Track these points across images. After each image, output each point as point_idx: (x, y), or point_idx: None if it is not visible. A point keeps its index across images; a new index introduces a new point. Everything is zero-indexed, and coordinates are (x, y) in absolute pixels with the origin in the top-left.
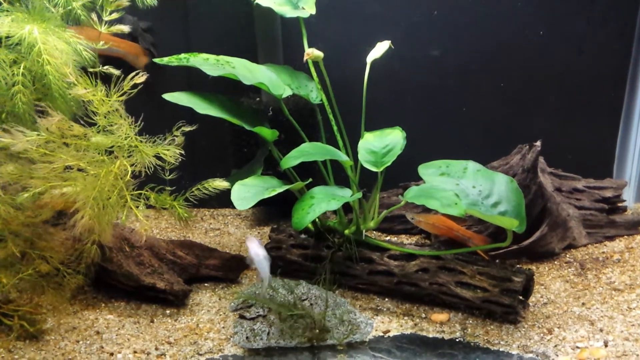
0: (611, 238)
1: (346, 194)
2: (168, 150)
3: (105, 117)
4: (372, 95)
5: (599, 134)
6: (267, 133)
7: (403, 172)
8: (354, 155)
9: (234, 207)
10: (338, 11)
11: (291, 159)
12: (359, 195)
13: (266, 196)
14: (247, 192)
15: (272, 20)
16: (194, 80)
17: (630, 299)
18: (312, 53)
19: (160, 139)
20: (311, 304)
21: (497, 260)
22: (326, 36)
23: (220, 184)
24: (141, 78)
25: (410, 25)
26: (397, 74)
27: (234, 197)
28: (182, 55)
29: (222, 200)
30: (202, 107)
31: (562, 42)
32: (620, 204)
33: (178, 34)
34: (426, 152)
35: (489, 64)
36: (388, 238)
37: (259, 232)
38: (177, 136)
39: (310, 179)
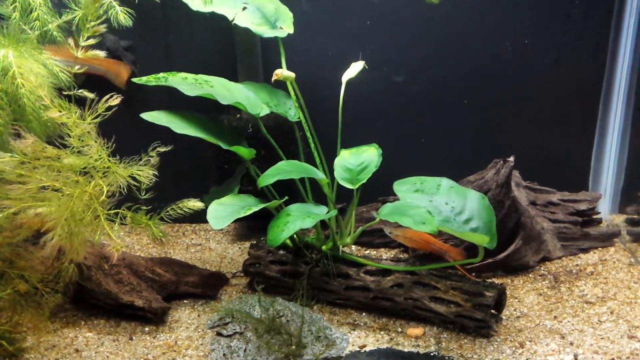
0: (585, 250)
1: (322, 212)
2: (142, 171)
3: (79, 139)
4: (351, 110)
5: (574, 147)
6: (244, 152)
7: (384, 184)
8: (331, 171)
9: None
10: (317, 29)
11: (268, 177)
12: (334, 212)
13: (242, 215)
14: (224, 211)
15: (252, 38)
16: (176, 97)
17: (601, 312)
18: (281, 74)
19: (135, 159)
20: (288, 321)
21: (473, 274)
22: (306, 54)
23: (194, 204)
24: (115, 100)
25: (387, 42)
26: (374, 90)
27: (209, 216)
28: (161, 75)
29: (204, 215)
30: (180, 127)
31: (537, 56)
32: (595, 216)
33: (159, 52)
34: (406, 165)
35: (465, 79)
36: (367, 252)
37: (240, 248)
38: (152, 156)
39: (287, 197)
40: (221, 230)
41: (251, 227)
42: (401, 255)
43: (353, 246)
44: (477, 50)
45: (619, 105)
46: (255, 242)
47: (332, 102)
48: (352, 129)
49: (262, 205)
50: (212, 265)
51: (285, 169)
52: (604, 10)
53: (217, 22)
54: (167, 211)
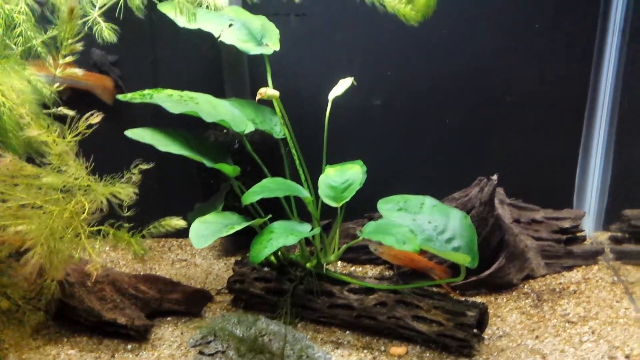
0: (569, 268)
1: (305, 229)
2: (123, 189)
3: (59, 157)
4: (338, 126)
5: (559, 164)
6: (229, 169)
7: (372, 199)
8: (316, 188)
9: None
10: (305, 46)
11: (252, 195)
12: (318, 230)
13: (224, 234)
14: (206, 229)
15: (239, 54)
16: (164, 112)
17: (583, 331)
18: (265, 93)
19: (117, 177)
20: (270, 340)
21: (457, 292)
22: (292, 70)
23: (177, 222)
24: (96, 118)
25: (373, 59)
26: (361, 106)
27: (192, 235)
28: (146, 92)
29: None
30: (163, 144)
31: (521, 74)
32: (579, 234)
33: (146, 67)
34: (393, 180)
35: (450, 96)
36: (353, 268)
37: (225, 264)
38: (134, 174)
39: (270, 215)
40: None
41: (237, 243)
42: (386, 272)
43: (339, 262)
44: (462, 68)
45: (603, 123)
46: (240, 258)
47: (318, 119)
48: (338, 145)
49: (245, 224)
50: (197, 282)
51: (270, 187)
52: (588, 29)
53: (205, 38)
54: (149, 229)
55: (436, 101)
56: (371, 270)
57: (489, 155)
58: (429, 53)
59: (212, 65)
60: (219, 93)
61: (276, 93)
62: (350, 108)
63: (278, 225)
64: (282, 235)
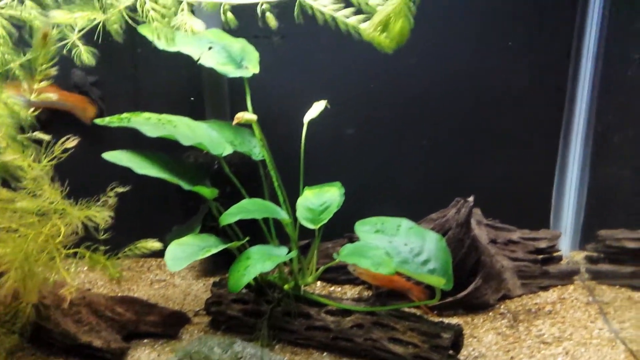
0: (545, 288)
1: (282, 253)
2: (98, 212)
3: (34, 181)
4: (317, 148)
5: (535, 185)
6: (206, 192)
7: (352, 218)
8: (295, 210)
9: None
10: (286, 68)
11: (230, 216)
12: (295, 254)
13: (200, 257)
14: (182, 252)
15: (219, 76)
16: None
17: (557, 352)
18: (242, 117)
19: (94, 200)
20: None
21: (435, 312)
22: (273, 92)
23: (153, 244)
24: (72, 142)
25: (353, 81)
26: (339, 128)
27: (167, 257)
28: (124, 115)
29: None
30: (141, 167)
31: (498, 95)
32: (555, 254)
33: (127, 88)
34: (372, 201)
35: (427, 117)
36: (332, 288)
37: (204, 284)
38: (110, 197)
39: (248, 237)
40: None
41: (217, 263)
42: (365, 293)
43: (318, 282)
44: (438, 89)
45: (578, 145)
46: (218, 279)
47: (298, 141)
48: (318, 166)
49: (222, 246)
50: (176, 303)
51: (247, 208)
52: (563, 50)
53: (186, 60)
54: (125, 252)
55: (414, 123)
56: (350, 291)
57: (467, 176)
58: (406, 75)
59: (193, 87)
60: (200, 115)
61: (254, 117)
62: (329, 130)
63: (255, 250)
64: (259, 261)
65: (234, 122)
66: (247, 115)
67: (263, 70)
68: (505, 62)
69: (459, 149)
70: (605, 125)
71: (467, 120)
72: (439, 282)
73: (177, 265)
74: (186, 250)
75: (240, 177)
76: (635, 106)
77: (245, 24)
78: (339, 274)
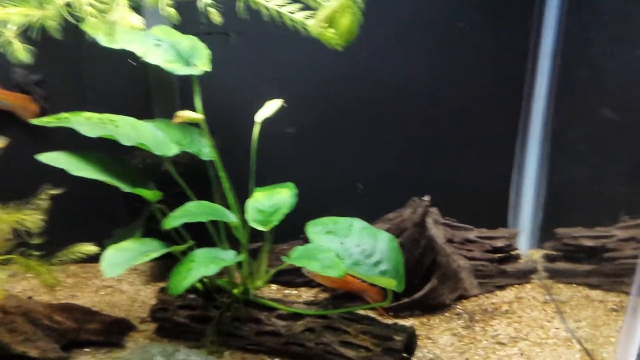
0: (502, 287)
1: (229, 256)
2: (29, 216)
3: None
4: (272, 148)
5: (493, 183)
6: (148, 194)
7: (310, 218)
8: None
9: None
10: (240, 66)
11: (173, 220)
12: (242, 257)
13: (140, 261)
14: (120, 257)
15: (168, 74)
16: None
17: (512, 353)
18: (184, 115)
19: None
20: None
21: (391, 313)
22: (225, 90)
23: (89, 248)
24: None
25: (307, 79)
26: (295, 127)
27: (103, 263)
28: (63, 115)
29: None
30: (78, 168)
31: (455, 93)
32: (513, 253)
33: (71, 87)
34: (329, 201)
35: (383, 116)
36: (288, 292)
37: (153, 289)
38: (43, 199)
39: (193, 241)
40: (135, 270)
41: (168, 267)
42: (321, 295)
43: (273, 286)
44: (393, 89)
45: (536, 142)
46: (164, 286)
47: (250, 141)
48: (273, 167)
49: (164, 251)
50: (122, 310)
51: (193, 211)
52: (520, 49)
53: (131, 58)
54: (59, 257)
55: (370, 122)
56: (306, 293)
57: (424, 175)
58: (361, 73)
59: (140, 85)
60: (148, 114)
61: (198, 116)
62: (283, 129)
63: (200, 253)
64: (203, 265)
65: (176, 120)
66: (189, 114)
67: (216, 68)
68: (463, 61)
69: (417, 148)
70: (562, 122)
71: (424, 118)
72: (391, 283)
73: (114, 271)
74: (124, 255)
75: (190, 178)
76: (590, 103)
77: (197, 21)
78: (294, 277)
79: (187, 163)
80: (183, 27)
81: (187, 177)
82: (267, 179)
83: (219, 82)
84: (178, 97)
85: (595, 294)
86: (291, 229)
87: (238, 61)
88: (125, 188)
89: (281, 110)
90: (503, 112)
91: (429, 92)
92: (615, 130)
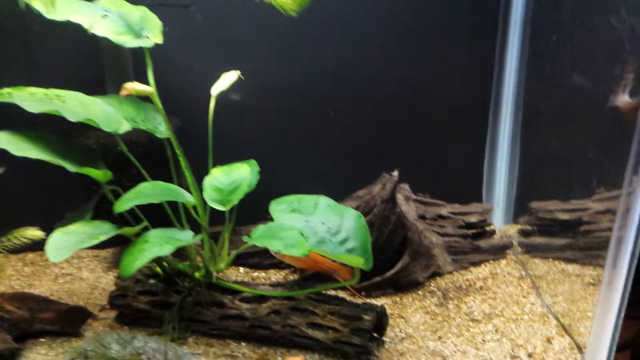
0: (477, 264)
1: (186, 237)
2: None
3: None
4: (234, 125)
5: (466, 159)
6: (97, 174)
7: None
8: None
9: (92, 248)
10: (195, 38)
11: (125, 202)
12: (199, 237)
13: (87, 245)
14: (67, 240)
15: (121, 48)
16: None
17: (486, 330)
18: (132, 87)
19: None
20: (149, 358)
21: (363, 293)
22: (183, 64)
23: (33, 233)
24: None
25: (270, 53)
26: (258, 103)
27: (48, 247)
28: (5, 90)
29: None
30: (20, 149)
31: (426, 69)
32: (488, 228)
33: (18, 66)
34: (299, 180)
35: (354, 91)
36: (256, 274)
37: (115, 276)
38: None
39: (145, 223)
40: (97, 256)
41: None
42: (291, 277)
43: (241, 269)
44: (364, 62)
45: (508, 117)
46: None
47: (204, 115)
48: (239, 145)
49: (114, 233)
50: (81, 298)
51: (146, 192)
52: (489, 25)
53: (81, 32)
54: (3, 242)
55: (341, 97)
56: (275, 275)
57: (397, 151)
58: (328, 47)
59: (92, 60)
60: (100, 90)
61: (147, 88)
62: (247, 105)
63: (154, 233)
64: (156, 245)
65: (122, 92)
66: (139, 86)
67: (171, 41)
68: (433, 37)
69: (389, 125)
70: (533, 94)
71: (396, 93)
72: (358, 262)
73: (59, 255)
74: (71, 239)
75: (148, 157)
76: (560, 72)
77: None
78: (263, 259)
79: (146, 142)
80: None
81: (146, 158)
82: (235, 160)
83: (177, 55)
84: (132, 72)
85: (572, 268)
86: (264, 210)
87: (196, 34)
88: (71, 168)
89: (250, 87)
90: (474, 85)
91: (401, 65)
92: (585, 99)
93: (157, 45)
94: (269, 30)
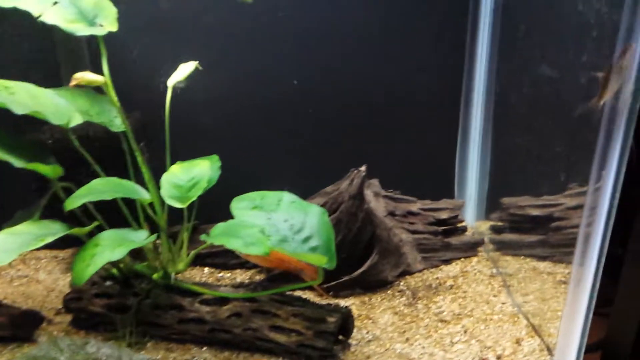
0: (447, 262)
1: (139, 237)
2: None
3: None
4: (203, 119)
5: (438, 154)
6: (46, 170)
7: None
8: None
9: (50, 248)
10: (154, 27)
11: (76, 199)
12: (154, 237)
13: (35, 246)
14: (13, 242)
15: (76, 37)
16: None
17: (455, 331)
18: (82, 77)
19: None
20: None
21: (331, 293)
22: (145, 54)
23: None
24: None
25: (240, 46)
26: (224, 96)
27: None
28: None
29: None
30: None
31: (396, 64)
32: (459, 225)
33: None
34: (267, 176)
35: (323, 85)
36: (221, 274)
37: None
38: None
39: (99, 222)
40: (56, 257)
41: None
42: (257, 277)
43: (205, 269)
44: (332, 58)
45: (479, 111)
46: None
47: (173, 109)
48: (202, 140)
49: (63, 233)
50: (36, 301)
51: (98, 189)
52: (460, 16)
53: (34, 22)
54: None
55: (309, 91)
56: (241, 276)
57: (367, 147)
58: (296, 40)
59: (46, 49)
60: (56, 82)
61: (99, 78)
62: (214, 98)
63: (106, 235)
64: (108, 248)
65: (72, 83)
66: (90, 76)
67: (131, 29)
68: (400, 29)
69: (359, 119)
70: (504, 87)
71: (365, 87)
72: (321, 260)
73: (5, 257)
74: (17, 240)
75: (106, 153)
76: (529, 63)
77: None
78: (228, 259)
79: (104, 137)
80: None
81: (104, 153)
82: (202, 155)
83: (140, 45)
84: (89, 62)
85: (544, 265)
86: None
87: (161, 22)
88: (17, 163)
89: (218, 80)
90: (444, 78)
91: (370, 64)
92: (554, 90)
93: (120, 34)
94: (236, 20)
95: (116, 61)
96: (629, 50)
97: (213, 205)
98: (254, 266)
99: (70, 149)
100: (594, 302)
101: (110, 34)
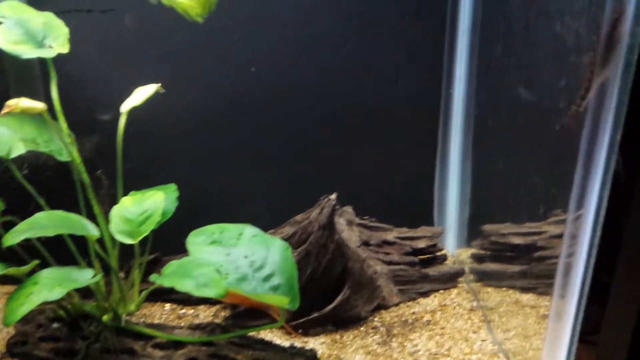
0: (425, 294)
1: (83, 277)
2: None
3: None
4: (162, 144)
5: (416, 179)
6: None
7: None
8: None
9: (2, 283)
10: (111, 47)
11: (15, 234)
12: (99, 277)
13: None
14: None
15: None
16: None
17: None
18: (15, 105)
19: None
20: None
21: (300, 331)
22: (102, 77)
23: None
24: None
25: (200, 66)
26: (188, 119)
27: None
28: None
29: None
30: None
31: (372, 86)
32: (439, 253)
33: None
34: (231, 206)
35: (297, 108)
36: (183, 311)
37: (23, 319)
38: None
39: (38, 261)
40: (6, 294)
41: None
42: (222, 313)
43: (167, 305)
44: (308, 78)
45: (458, 134)
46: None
47: (132, 135)
48: (161, 168)
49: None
50: None
51: (40, 224)
52: (436, 37)
53: None
54: None
55: (279, 110)
56: (204, 312)
57: (342, 172)
58: (269, 59)
59: None
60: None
61: (36, 105)
62: (177, 122)
63: (47, 274)
64: (47, 287)
65: (3, 111)
66: (26, 103)
67: (93, 50)
68: (376, 52)
69: (333, 142)
70: (482, 108)
71: (339, 111)
72: (282, 301)
73: None
74: None
75: (58, 183)
76: (508, 83)
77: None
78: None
79: (56, 166)
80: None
81: (56, 183)
82: (162, 183)
83: (94, 67)
84: (41, 84)
85: (527, 298)
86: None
87: (119, 42)
88: None
89: (176, 104)
90: (422, 101)
91: (346, 85)
92: (531, 112)
93: (79, 55)
94: (197, 39)
95: (74, 82)
96: (622, 16)
97: (181, 232)
98: (218, 302)
99: (16, 180)
100: (576, 338)
101: (69, 54)
